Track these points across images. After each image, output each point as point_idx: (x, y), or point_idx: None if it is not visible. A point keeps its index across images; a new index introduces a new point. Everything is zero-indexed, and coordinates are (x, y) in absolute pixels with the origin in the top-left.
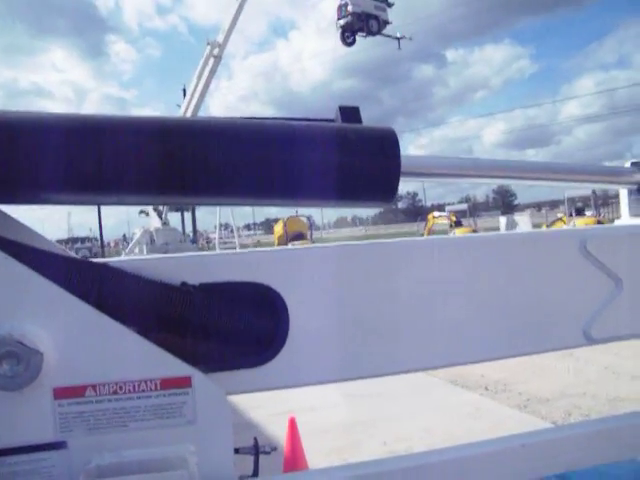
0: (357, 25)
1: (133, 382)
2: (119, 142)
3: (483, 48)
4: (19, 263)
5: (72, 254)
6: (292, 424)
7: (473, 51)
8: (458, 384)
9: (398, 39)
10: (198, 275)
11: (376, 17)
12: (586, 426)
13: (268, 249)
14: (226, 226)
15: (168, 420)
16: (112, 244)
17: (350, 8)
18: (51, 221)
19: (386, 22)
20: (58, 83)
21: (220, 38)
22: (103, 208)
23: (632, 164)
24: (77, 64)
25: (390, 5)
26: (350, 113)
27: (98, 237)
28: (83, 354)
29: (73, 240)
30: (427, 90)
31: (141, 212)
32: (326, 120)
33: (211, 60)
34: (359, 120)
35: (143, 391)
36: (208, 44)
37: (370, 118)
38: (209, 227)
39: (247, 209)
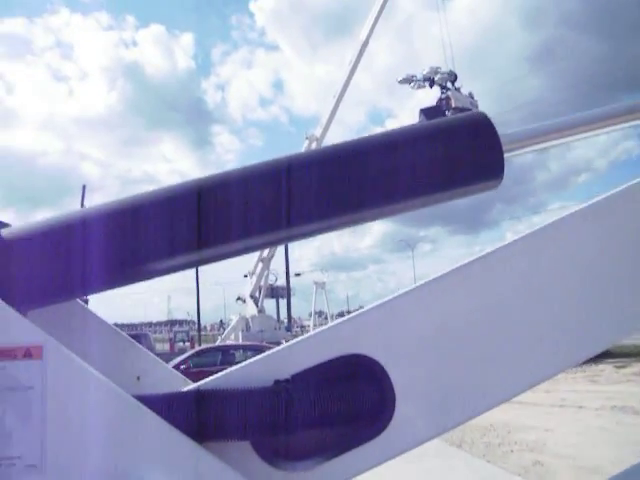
0: None
1: None
2: (217, 199)
3: None
4: (151, 412)
5: (178, 377)
6: None
7: None
8: None
9: None
10: (289, 367)
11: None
12: None
13: (347, 317)
14: (320, 313)
15: None
16: (209, 328)
17: (453, 103)
18: (152, 304)
19: None
20: (167, 172)
21: (318, 132)
22: (201, 293)
23: None
24: (184, 154)
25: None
26: (432, 112)
27: (195, 320)
28: None
29: (172, 323)
30: (527, 175)
31: (238, 299)
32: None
33: None
34: (443, 115)
35: None
36: (307, 139)
37: (467, 207)
38: (303, 314)
39: (341, 297)
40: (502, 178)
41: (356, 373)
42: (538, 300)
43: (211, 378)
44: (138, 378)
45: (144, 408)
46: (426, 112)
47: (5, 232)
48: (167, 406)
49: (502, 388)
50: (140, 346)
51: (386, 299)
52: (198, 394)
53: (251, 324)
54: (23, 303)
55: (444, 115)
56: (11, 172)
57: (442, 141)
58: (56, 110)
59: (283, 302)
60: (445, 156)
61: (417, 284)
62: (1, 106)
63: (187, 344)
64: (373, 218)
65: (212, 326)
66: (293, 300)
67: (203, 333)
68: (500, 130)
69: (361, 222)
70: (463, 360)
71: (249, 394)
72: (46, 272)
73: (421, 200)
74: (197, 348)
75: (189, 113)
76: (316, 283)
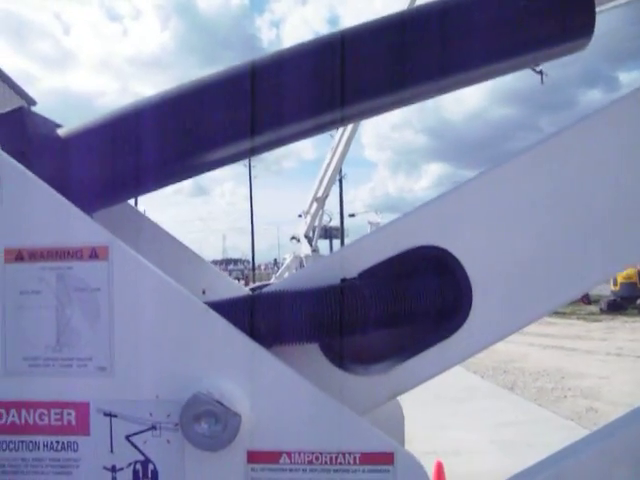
0: None
1: (331, 454)
2: (270, 80)
3: None
4: (220, 317)
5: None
6: (439, 469)
7: None
8: None
9: (540, 73)
10: (356, 265)
11: None
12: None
13: (416, 208)
14: None
15: None
16: (263, 267)
17: None
18: (207, 243)
19: None
20: None
21: None
22: (255, 232)
23: None
24: None
25: None
26: None
27: (250, 259)
28: (280, 419)
29: (227, 261)
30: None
31: (292, 238)
32: None
33: None
34: None
35: (340, 464)
36: None
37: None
38: None
39: None
40: (591, 36)
41: (428, 267)
42: (611, 187)
43: (277, 282)
44: (204, 292)
45: (212, 312)
46: None
47: (62, 132)
48: (234, 310)
49: (580, 278)
50: (205, 259)
51: (455, 186)
52: (264, 297)
53: (305, 263)
54: (87, 203)
55: None
56: (71, 113)
57: None
58: (112, 50)
59: (337, 243)
60: (527, 10)
61: (484, 170)
62: (59, 47)
63: (242, 282)
64: (447, 89)
65: (266, 265)
66: (346, 241)
67: (257, 272)
68: None
69: (431, 95)
70: (539, 248)
71: (314, 294)
72: (109, 169)
73: (501, 65)
74: (252, 285)
75: (243, 51)
76: (370, 223)
